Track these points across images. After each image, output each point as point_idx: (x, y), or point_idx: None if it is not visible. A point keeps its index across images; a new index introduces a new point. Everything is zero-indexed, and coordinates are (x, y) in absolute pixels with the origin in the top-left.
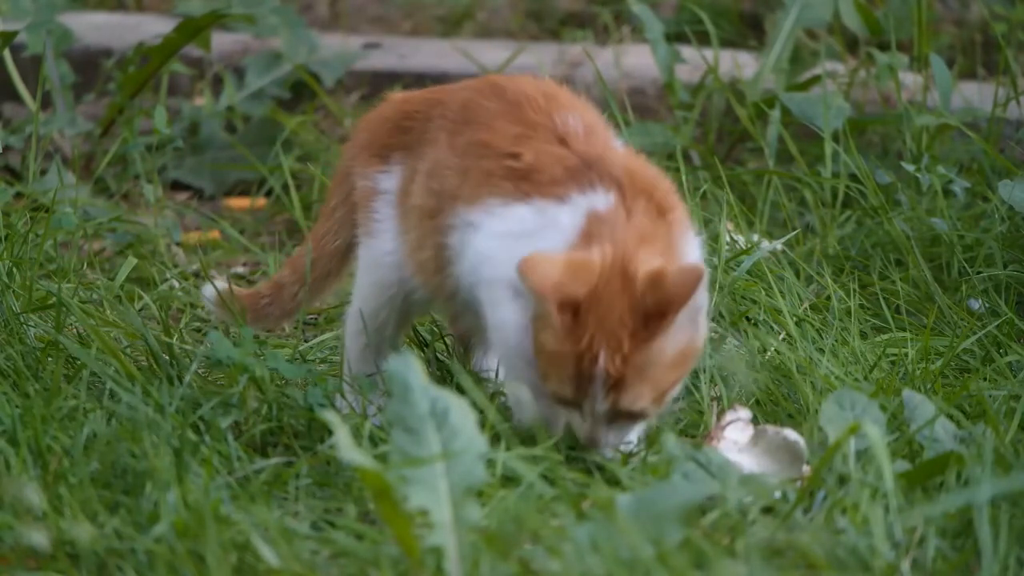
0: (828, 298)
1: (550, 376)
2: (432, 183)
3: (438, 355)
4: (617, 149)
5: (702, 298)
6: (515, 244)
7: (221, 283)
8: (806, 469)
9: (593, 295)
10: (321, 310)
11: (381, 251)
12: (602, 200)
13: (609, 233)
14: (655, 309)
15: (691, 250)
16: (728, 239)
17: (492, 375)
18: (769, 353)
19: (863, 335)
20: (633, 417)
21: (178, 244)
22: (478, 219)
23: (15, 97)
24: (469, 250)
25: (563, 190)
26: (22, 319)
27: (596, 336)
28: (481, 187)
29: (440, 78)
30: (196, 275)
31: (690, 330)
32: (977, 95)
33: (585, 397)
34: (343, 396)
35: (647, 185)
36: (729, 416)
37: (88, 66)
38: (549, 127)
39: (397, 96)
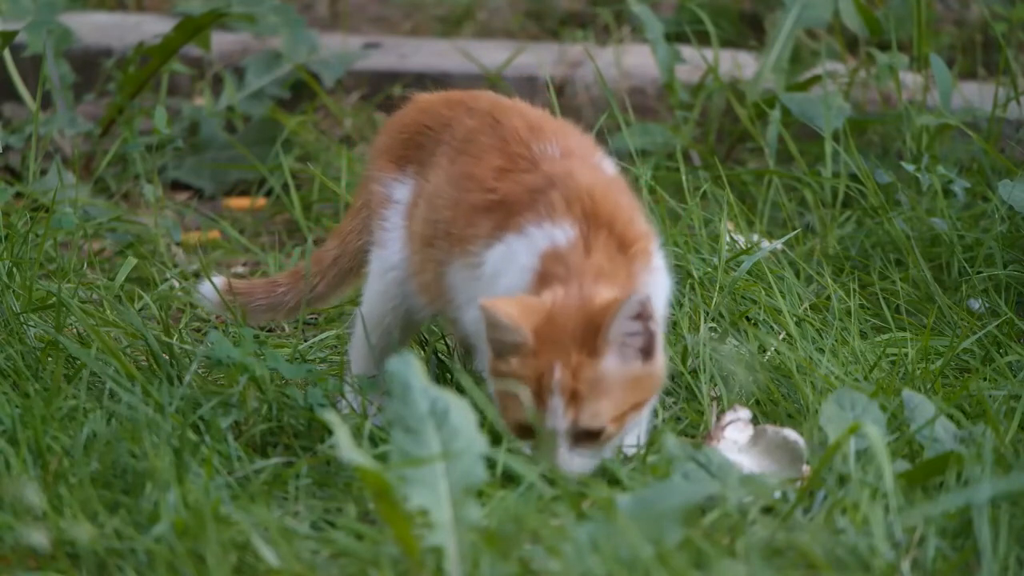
0: (828, 298)
1: (510, 406)
2: (430, 212)
3: (438, 355)
4: (595, 169)
5: (657, 327)
6: (492, 286)
7: (218, 279)
8: (806, 469)
9: (548, 322)
10: (321, 310)
11: (388, 263)
12: (561, 235)
13: (565, 274)
14: (593, 331)
15: (653, 282)
16: (728, 239)
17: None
18: (769, 353)
19: (863, 335)
20: (594, 438)
21: (178, 244)
22: (467, 277)
23: (15, 97)
24: (464, 317)
25: (523, 220)
26: (22, 319)
27: (551, 355)
28: (467, 228)
29: (440, 78)
30: (196, 275)
31: (637, 358)
32: (977, 95)
33: (545, 414)
34: (344, 396)
35: (609, 216)
36: (729, 416)
37: (88, 66)
38: (527, 156)
39: (422, 99)
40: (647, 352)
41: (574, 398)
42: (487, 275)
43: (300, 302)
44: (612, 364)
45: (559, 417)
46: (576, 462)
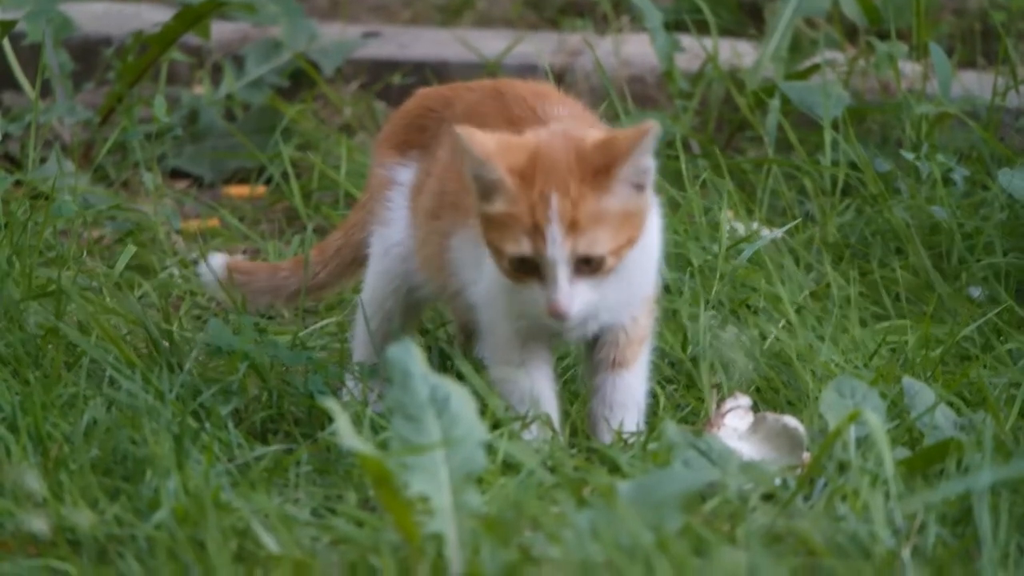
0: (828, 286)
1: (506, 240)
2: (438, 185)
3: (439, 342)
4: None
5: (649, 163)
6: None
7: (219, 259)
8: (806, 456)
9: (536, 156)
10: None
11: (391, 241)
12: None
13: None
14: (603, 162)
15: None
16: (728, 227)
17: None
18: (769, 341)
19: (863, 323)
20: (593, 267)
21: (178, 232)
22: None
23: (15, 85)
24: (469, 289)
25: None
26: (22, 306)
27: (546, 185)
28: (468, 195)
29: (440, 67)
30: (196, 262)
31: (635, 193)
32: (976, 84)
33: (544, 246)
34: (343, 383)
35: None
36: (729, 403)
37: (87, 54)
38: (531, 118)
39: (422, 91)
40: (640, 186)
41: (572, 226)
42: None
43: (302, 288)
44: (617, 199)
45: (558, 245)
46: (577, 297)
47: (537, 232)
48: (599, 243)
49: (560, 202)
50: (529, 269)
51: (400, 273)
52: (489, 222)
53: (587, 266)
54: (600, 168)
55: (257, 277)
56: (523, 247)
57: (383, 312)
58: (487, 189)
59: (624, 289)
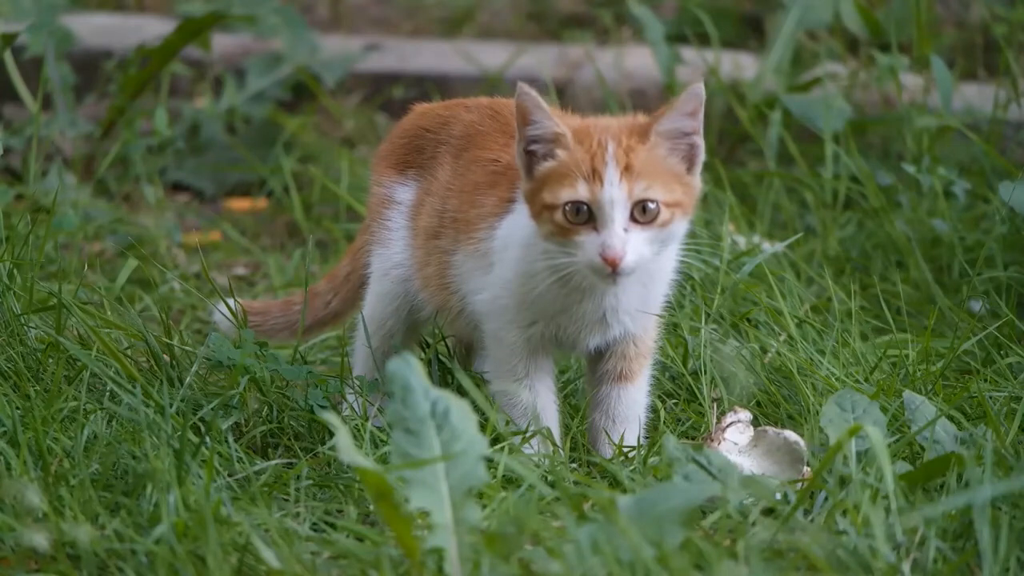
0: (829, 299)
1: (562, 189)
2: (437, 204)
3: (439, 356)
4: None
5: (688, 126)
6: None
7: (232, 303)
8: (806, 470)
9: (587, 122)
10: None
11: (390, 262)
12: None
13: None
14: (647, 121)
15: None
16: (729, 240)
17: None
18: (770, 355)
19: (864, 336)
20: (648, 217)
21: (179, 245)
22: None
23: (16, 98)
24: (473, 299)
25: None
26: (23, 320)
27: (601, 137)
28: (470, 209)
29: (441, 79)
30: (197, 276)
31: (678, 159)
32: (977, 96)
33: (601, 189)
34: (344, 398)
35: None
36: (730, 418)
37: (89, 67)
38: None
39: (418, 109)
40: (690, 163)
41: (628, 170)
42: (500, 237)
43: (316, 320)
44: (661, 152)
45: (615, 186)
46: (630, 247)
47: (595, 176)
48: (652, 189)
49: (615, 149)
50: (584, 219)
51: (400, 294)
52: (544, 181)
53: (643, 215)
54: (645, 125)
55: (271, 316)
56: (580, 191)
57: (384, 331)
58: (547, 146)
59: (646, 292)
